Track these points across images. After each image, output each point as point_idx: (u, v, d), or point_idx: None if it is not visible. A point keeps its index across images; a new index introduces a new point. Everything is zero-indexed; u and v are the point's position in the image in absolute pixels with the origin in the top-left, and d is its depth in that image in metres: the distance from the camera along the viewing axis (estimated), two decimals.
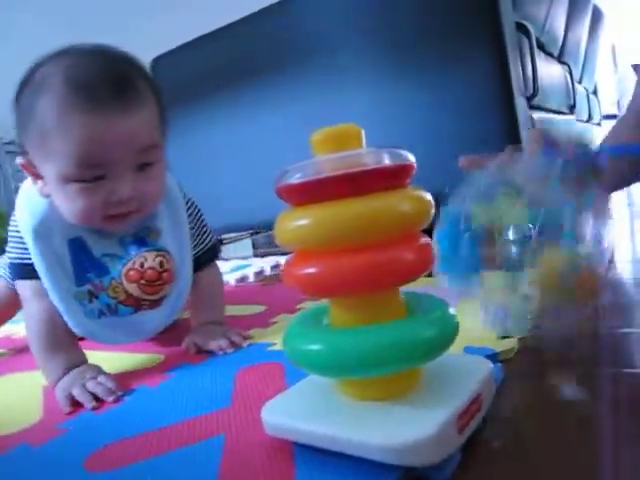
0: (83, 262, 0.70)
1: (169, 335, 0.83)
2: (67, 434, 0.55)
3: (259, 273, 1.44)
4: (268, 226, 1.65)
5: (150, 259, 0.71)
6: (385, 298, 0.41)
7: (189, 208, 0.80)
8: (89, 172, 0.61)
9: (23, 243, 0.69)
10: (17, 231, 0.70)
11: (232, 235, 2.32)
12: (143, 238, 0.72)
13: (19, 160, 0.66)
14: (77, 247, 0.70)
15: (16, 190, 2.61)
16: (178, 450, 0.46)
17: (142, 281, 0.70)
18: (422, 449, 0.35)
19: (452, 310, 0.41)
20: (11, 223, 0.72)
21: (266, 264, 1.50)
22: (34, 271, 0.69)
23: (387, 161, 0.38)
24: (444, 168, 1.28)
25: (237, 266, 1.55)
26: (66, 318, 0.69)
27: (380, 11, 1.30)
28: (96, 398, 0.62)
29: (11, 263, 0.72)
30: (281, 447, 0.43)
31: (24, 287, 0.72)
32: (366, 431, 0.37)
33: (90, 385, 0.63)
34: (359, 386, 0.41)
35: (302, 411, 0.42)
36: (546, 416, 0.43)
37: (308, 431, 0.40)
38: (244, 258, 1.75)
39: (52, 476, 0.46)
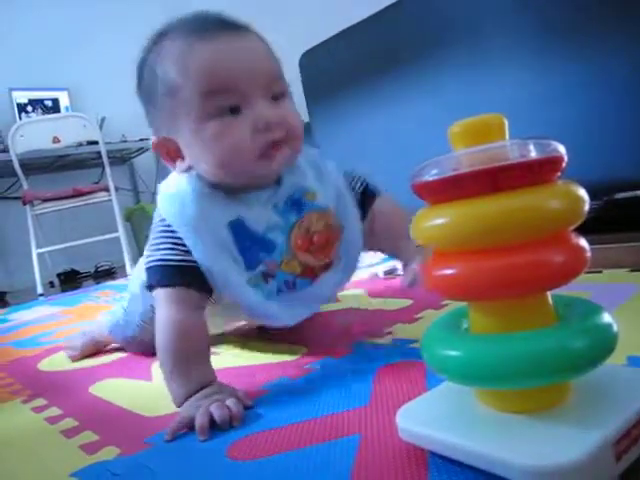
0: (249, 243, 0.64)
1: (312, 325, 0.84)
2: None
3: (390, 272, 1.41)
4: None
5: (314, 221, 0.67)
6: (530, 303, 0.37)
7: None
8: (225, 99, 0.58)
9: (173, 240, 0.63)
10: (165, 229, 0.64)
11: None
12: (299, 199, 0.67)
13: (153, 141, 0.66)
14: (239, 229, 0.64)
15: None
16: (313, 446, 0.47)
17: (312, 247, 0.67)
18: (571, 475, 0.31)
19: (609, 317, 0.36)
20: (154, 224, 0.66)
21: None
22: (182, 272, 0.62)
23: (533, 154, 0.34)
24: (605, 159, 1.17)
25: (386, 257, 1.53)
26: (242, 302, 0.65)
27: None
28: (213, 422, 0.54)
29: (152, 267, 0.64)
30: (416, 454, 0.41)
31: (161, 293, 0.64)
32: (506, 448, 0.34)
33: (213, 407, 0.55)
34: (501, 396, 0.38)
35: (438, 419, 0.40)
36: None
37: (443, 441, 0.37)
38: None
39: (196, 463, 0.49)
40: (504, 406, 0.38)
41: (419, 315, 0.84)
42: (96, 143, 2.75)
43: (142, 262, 0.78)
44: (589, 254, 0.36)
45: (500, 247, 0.34)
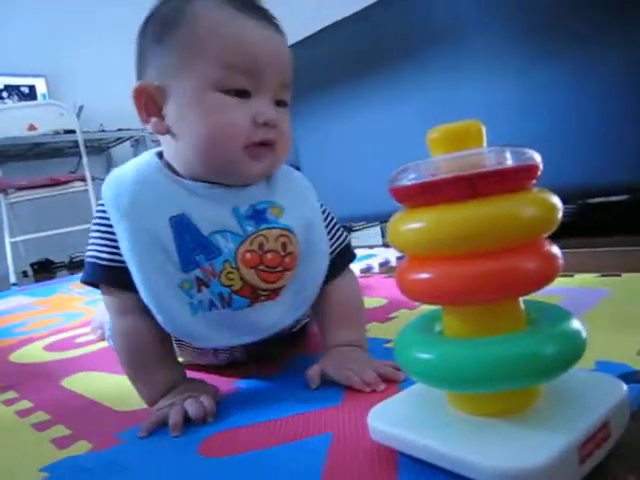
0: (189, 242, 0.57)
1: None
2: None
3: (384, 264, 1.43)
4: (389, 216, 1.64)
5: (271, 239, 0.59)
6: (503, 308, 0.38)
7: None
8: (238, 78, 0.55)
9: (107, 232, 0.58)
10: (101, 217, 0.59)
11: (361, 223, 2.33)
12: (262, 212, 0.60)
13: (136, 86, 0.59)
14: (182, 225, 0.57)
15: None
16: (285, 444, 0.47)
17: (261, 266, 0.59)
18: (536, 477, 0.31)
19: (578, 323, 0.37)
20: (95, 213, 0.61)
21: (392, 254, 1.49)
22: (117, 273, 0.57)
23: (509, 161, 0.35)
24: (588, 165, 1.19)
25: (362, 256, 1.54)
26: (163, 318, 0.57)
27: None
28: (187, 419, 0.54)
29: (87, 263, 0.60)
30: (386, 454, 0.41)
31: (105, 296, 0.60)
32: (474, 450, 0.34)
33: (187, 404, 0.55)
34: (471, 399, 0.39)
35: (409, 420, 0.40)
36: None
37: (413, 442, 0.38)
38: (371, 247, 1.74)
39: (167, 459, 0.49)
40: (474, 409, 0.39)
41: (393, 315, 0.85)
42: (73, 132, 2.71)
43: None
44: (561, 261, 0.37)
45: (474, 253, 0.35)
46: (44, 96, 3.32)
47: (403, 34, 1.45)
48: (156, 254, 0.57)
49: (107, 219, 0.58)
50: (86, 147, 2.75)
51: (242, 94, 0.56)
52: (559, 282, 0.88)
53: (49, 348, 1.03)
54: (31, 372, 0.88)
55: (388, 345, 0.70)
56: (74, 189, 2.68)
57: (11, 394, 0.76)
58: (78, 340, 1.05)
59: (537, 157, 0.36)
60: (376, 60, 1.51)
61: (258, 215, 0.60)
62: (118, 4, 3.65)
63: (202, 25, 0.56)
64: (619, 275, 0.85)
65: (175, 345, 0.65)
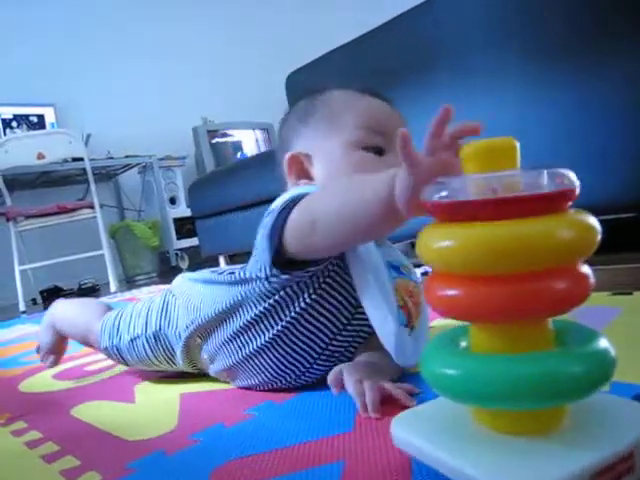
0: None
1: None
2: (198, 445, 0.58)
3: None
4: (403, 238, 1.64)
5: (411, 286, 0.68)
6: (533, 327, 0.37)
7: None
8: (376, 138, 0.65)
9: None
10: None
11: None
12: (398, 267, 0.68)
13: (288, 155, 0.69)
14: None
15: (169, 201, 2.82)
16: (297, 473, 0.46)
17: (412, 299, 0.66)
18: None
19: (607, 342, 0.37)
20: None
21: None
22: None
23: (546, 184, 0.34)
24: (586, 178, 1.18)
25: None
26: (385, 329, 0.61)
27: (519, 7, 1.23)
28: None
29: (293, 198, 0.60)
30: None
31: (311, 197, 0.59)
32: (479, 466, 0.34)
33: None
34: (494, 415, 0.38)
35: (430, 430, 0.40)
36: None
37: (429, 453, 0.38)
38: None
39: None
40: (497, 426, 0.38)
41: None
42: (81, 160, 2.74)
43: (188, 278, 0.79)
44: (593, 281, 0.36)
45: (510, 273, 0.34)
46: (53, 125, 3.37)
47: (403, 58, 1.46)
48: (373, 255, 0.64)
49: None
50: (94, 174, 2.79)
51: (379, 152, 0.65)
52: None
53: (58, 377, 1.02)
54: (41, 401, 0.87)
55: None
56: (82, 216, 2.71)
57: (20, 424, 0.76)
58: (87, 368, 1.04)
59: (574, 179, 0.35)
60: (376, 84, 1.52)
61: (395, 268, 0.67)
62: (125, 33, 3.72)
63: (337, 103, 0.69)
64: (631, 293, 0.84)
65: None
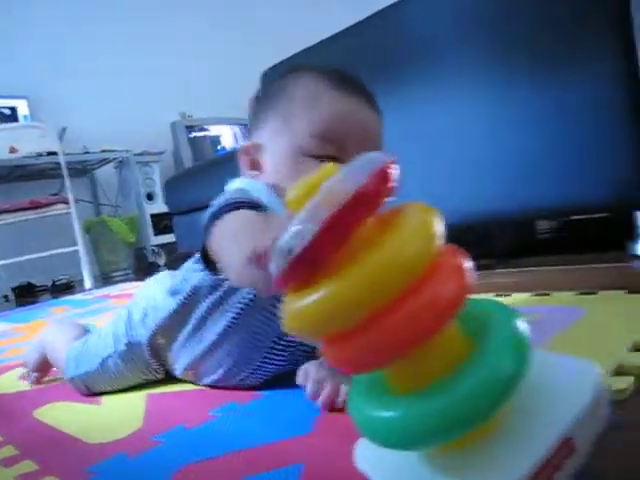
0: None
1: None
2: (160, 447, 0.57)
3: None
4: None
5: None
6: (432, 346, 0.33)
7: None
8: (328, 147, 0.62)
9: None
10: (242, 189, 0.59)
11: None
12: None
13: (244, 143, 0.69)
14: None
15: (146, 197, 2.79)
16: (257, 475, 0.46)
17: None
18: None
19: (522, 323, 0.34)
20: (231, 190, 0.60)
21: None
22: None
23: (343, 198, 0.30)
24: (560, 178, 1.20)
25: None
26: None
27: (491, 6, 1.24)
28: None
29: (221, 203, 0.54)
30: None
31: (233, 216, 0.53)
32: None
33: None
34: None
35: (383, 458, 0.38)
36: None
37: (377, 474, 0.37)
38: None
39: None
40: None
41: None
42: (56, 154, 2.70)
43: (146, 286, 0.80)
44: (467, 278, 0.33)
45: (364, 320, 0.31)
46: (26, 118, 3.31)
47: (377, 56, 1.46)
48: None
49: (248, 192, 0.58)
50: (69, 169, 2.74)
51: (330, 159, 0.60)
52: (536, 301, 0.88)
53: (24, 377, 1.00)
54: (5, 403, 0.86)
55: None
56: (56, 212, 2.67)
57: None
58: (54, 368, 1.02)
59: (382, 161, 0.32)
60: None
61: None
62: (102, 26, 3.67)
63: (299, 98, 0.65)
64: (595, 293, 0.85)
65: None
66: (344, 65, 1.52)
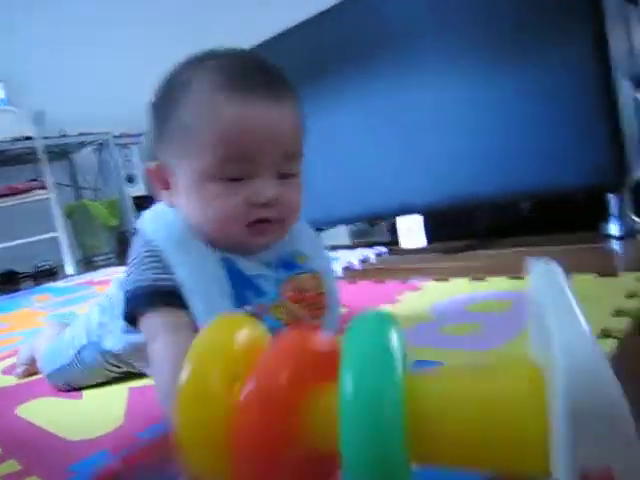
0: (238, 280, 0.60)
1: None
2: (144, 444, 0.58)
3: (347, 268, 1.43)
4: (361, 219, 1.65)
5: (305, 281, 0.64)
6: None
7: None
8: (234, 168, 0.56)
9: (160, 261, 0.58)
10: (150, 248, 0.59)
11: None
12: (290, 262, 0.64)
13: (148, 165, 0.63)
14: (230, 264, 0.60)
15: (127, 179, 2.77)
16: None
17: (303, 303, 0.62)
18: None
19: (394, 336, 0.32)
20: (136, 245, 0.62)
21: (355, 258, 1.49)
22: (172, 296, 0.57)
23: None
24: (539, 158, 1.21)
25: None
26: None
27: None
28: None
29: (138, 290, 0.58)
30: None
31: (153, 319, 0.57)
32: None
33: None
34: None
35: None
36: None
37: None
38: (335, 249, 1.74)
39: None
40: None
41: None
42: (31, 138, 2.66)
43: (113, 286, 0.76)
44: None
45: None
46: (2, 101, 3.24)
47: (350, 39, 1.45)
48: (213, 285, 0.58)
49: (156, 248, 0.59)
50: (48, 153, 2.70)
51: (240, 178, 0.56)
52: (512, 285, 0.90)
53: (6, 372, 1.01)
54: None
55: None
56: (35, 197, 2.63)
57: None
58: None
59: None
60: (330, 65, 1.51)
61: (288, 264, 0.64)
62: (78, 7, 3.58)
63: (192, 113, 0.57)
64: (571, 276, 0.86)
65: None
66: (323, 49, 1.51)
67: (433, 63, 1.31)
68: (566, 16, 1.11)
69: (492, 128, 1.24)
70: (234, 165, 0.56)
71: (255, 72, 0.58)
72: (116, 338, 0.70)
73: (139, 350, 0.64)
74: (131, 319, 0.60)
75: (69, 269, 2.64)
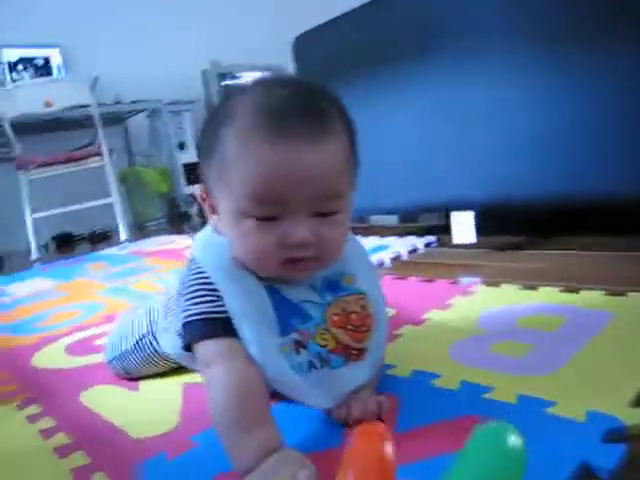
0: (283, 308, 0.61)
1: None
2: (198, 448, 0.62)
3: (395, 259, 1.43)
4: (410, 211, 1.63)
5: (351, 303, 0.64)
6: None
7: None
8: (267, 209, 0.56)
9: (211, 290, 0.60)
10: (201, 277, 0.62)
11: None
12: (337, 282, 0.65)
13: (199, 190, 0.66)
14: (275, 293, 0.61)
15: (179, 146, 2.83)
16: None
17: (348, 326, 0.63)
18: None
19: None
20: (188, 271, 0.64)
21: (403, 247, 1.49)
22: (225, 326, 0.59)
23: None
24: (605, 163, 1.17)
25: (374, 247, 1.52)
26: (269, 371, 0.58)
27: None
28: None
29: (192, 322, 0.60)
30: None
31: (208, 347, 0.59)
32: None
33: None
34: None
35: None
36: None
37: None
38: (383, 236, 1.74)
39: None
40: None
41: (398, 331, 0.86)
42: (88, 106, 2.73)
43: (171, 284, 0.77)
44: None
45: None
46: (59, 68, 3.32)
47: (401, 33, 1.42)
48: (259, 314, 0.60)
49: (206, 277, 0.61)
50: (102, 119, 2.77)
51: (271, 218, 0.56)
52: (563, 298, 0.88)
53: (69, 350, 1.07)
54: (52, 380, 0.92)
55: (390, 372, 0.72)
56: (92, 164, 2.71)
57: (34, 409, 0.80)
58: (96, 342, 1.08)
59: None
60: (386, 54, 1.48)
61: (333, 285, 0.64)
62: None
63: (231, 149, 0.57)
64: (625, 295, 0.85)
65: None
66: (382, 35, 1.48)
67: (496, 59, 1.27)
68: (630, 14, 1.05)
69: (553, 126, 1.20)
70: (267, 207, 0.56)
71: (297, 111, 0.56)
72: (171, 339, 0.73)
73: (189, 357, 0.66)
74: (187, 346, 0.63)
75: (122, 234, 2.73)
